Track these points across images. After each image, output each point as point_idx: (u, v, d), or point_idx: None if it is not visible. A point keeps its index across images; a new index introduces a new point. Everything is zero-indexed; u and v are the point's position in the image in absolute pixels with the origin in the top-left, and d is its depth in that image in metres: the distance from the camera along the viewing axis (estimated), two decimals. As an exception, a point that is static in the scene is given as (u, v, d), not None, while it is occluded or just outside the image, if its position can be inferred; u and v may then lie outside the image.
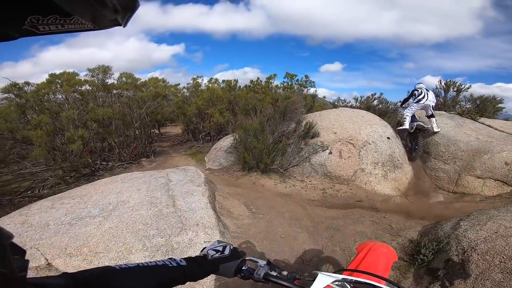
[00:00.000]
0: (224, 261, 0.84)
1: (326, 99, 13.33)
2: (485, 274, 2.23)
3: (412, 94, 5.82)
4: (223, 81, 10.80)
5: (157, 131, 10.75)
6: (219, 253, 0.86)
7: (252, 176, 5.49)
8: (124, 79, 8.87)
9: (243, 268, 0.87)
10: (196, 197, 3.12)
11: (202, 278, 0.81)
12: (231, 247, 0.89)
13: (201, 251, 0.89)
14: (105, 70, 8.38)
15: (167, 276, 0.71)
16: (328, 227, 3.60)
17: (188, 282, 0.77)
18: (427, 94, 5.47)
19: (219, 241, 0.93)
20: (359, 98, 13.00)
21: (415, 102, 5.53)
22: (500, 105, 8.81)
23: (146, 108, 7.80)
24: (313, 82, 11.59)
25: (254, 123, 5.95)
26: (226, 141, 6.71)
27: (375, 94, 12.80)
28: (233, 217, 3.49)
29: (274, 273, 0.86)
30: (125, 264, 0.66)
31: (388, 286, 0.85)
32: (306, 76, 11.74)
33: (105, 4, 0.28)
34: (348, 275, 0.88)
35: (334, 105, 11.98)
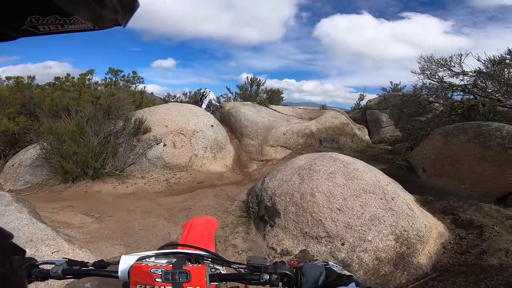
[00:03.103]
0: None
1: (156, 95, 13.32)
2: (286, 209, 3.18)
3: (203, 95, 9.38)
4: (8, 77, 8.12)
5: None
6: None
7: (81, 185, 4.85)
8: None
9: (34, 270, 0.81)
10: (11, 216, 2.65)
11: None
12: None
13: None
14: None
15: None
16: (181, 209, 3.97)
17: None
18: (209, 94, 9.13)
19: None
20: (188, 94, 14.07)
21: (205, 99, 9.05)
22: (281, 95, 12.87)
23: None
24: (142, 78, 11.36)
25: (70, 126, 5.14)
26: (29, 153, 5.42)
27: (201, 89, 14.30)
28: (74, 227, 3.12)
29: (76, 267, 0.84)
30: None
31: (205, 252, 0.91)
32: (134, 72, 11.24)
33: (105, 4, 0.28)
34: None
35: (165, 101, 12.22)
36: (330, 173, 3.36)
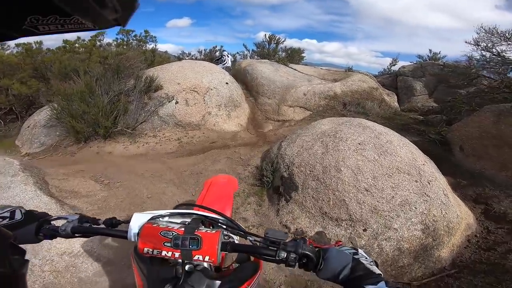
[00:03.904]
0: (16, 227, 0.72)
1: (170, 53, 13.05)
2: (305, 183, 2.82)
3: (221, 57, 9.38)
4: (17, 45, 8.13)
5: None
6: (8, 219, 0.74)
7: (93, 146, 4.73)
8: None
9: (44, 227, 0.77)
10: (16, 189, 2.55)
11: None
12: (23, 211, 0.77)
13: None
14: None
15: None
16: (191, 173, 3.77)
17: None
18: (228, 59, 9.00)
19: (4, 206, 0.78)
20: (203, 51, 13.28)
21: (222, 63, 8.78)
22: (302, 54, 11.85)
23: None
24: (155, 37, 11.09)
25: (79, 86, 4.95)
26: (42, 114, 5.34)
27: (216, 46, 13.45)
28: (82, 196, 2.99)
29: (86, 225, 0.80)
30: None
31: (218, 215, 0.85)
32: (146, 31, 10.94)
33: (104, 4, 0.28)
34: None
35: (179, 59, 11.82)
36: (359, 143, 2.94)
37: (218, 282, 0.73)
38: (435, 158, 3.62)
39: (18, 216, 0.75)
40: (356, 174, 2.67)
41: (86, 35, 10.15)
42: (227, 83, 5.98)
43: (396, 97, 7.40)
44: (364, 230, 2.48)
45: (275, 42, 11.78)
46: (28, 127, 5.35)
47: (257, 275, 0.83)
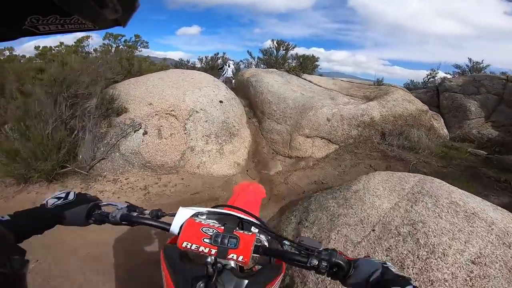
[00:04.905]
0: (69, 207, 0.76)
1: (170, 59, 12.18)
2: None
3: (222, 66, 8.80)
4: None
5: None
6: (62, 199, 0.78)
7: (32, 190, 3.43)
8: None
9: (96, 212, 0.80)
10: None
11: (44, 230, 0.72)
12: (76, 192, 0.81)
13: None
14: None
15: None
16: (155, 259, 2.30)
17: None
18: (227, 70, 8.24)
19: (61, 190, 0.83)
20: (203, 59, 11.94)
21: (222, 73, 8.23)
22: (316, 63, 10.24)
23: None
24: (146, 42, 10.11)
25: (15, 111, 3.71)
26: None
27: (218, 54, 12.09)
28: None
29: (134, 214, 0.82)
30: None
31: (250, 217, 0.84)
32: (137, 36, 9.96)
33: (105, 4, 0.29)
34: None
35: (176, 67, 10.65)
36: (473, 262, 1.42)
37: (245, 281, 0.73)
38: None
39: (71, 197, 0.79)
40: None
41: (69, 41, 9.27)
42: (221, 101, 4.44)
43: (442, 120, 5.73)
44: None
45: (284, 48, 10.40)
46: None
47: (280, 276, 0.84)
